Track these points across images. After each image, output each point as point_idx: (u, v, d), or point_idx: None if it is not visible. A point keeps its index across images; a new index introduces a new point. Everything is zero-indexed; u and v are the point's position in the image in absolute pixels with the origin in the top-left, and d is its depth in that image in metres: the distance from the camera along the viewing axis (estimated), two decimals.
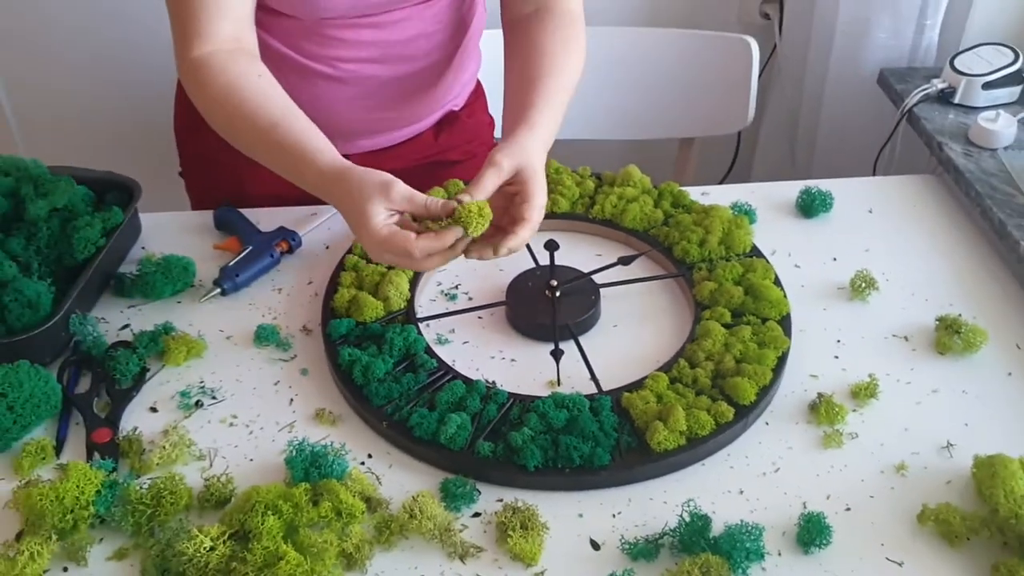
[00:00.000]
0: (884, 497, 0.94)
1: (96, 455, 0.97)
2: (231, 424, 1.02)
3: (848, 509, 0.93)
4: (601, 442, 0.95)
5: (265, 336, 1.11)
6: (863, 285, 1.16)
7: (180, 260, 1.17)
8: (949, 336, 1.09)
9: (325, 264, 1.22)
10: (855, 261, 1.21)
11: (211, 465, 0.97)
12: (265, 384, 1.06)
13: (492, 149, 1.05)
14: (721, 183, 1.82)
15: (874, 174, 1.66)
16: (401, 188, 0.96)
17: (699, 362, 1.04)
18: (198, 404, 1.04)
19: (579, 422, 0.96)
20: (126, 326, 1.13)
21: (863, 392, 1.03)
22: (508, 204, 1.03)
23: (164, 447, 0.96)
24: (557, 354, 1.05)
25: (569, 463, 0.94)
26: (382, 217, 0.95)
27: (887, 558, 0.88)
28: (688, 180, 1.77)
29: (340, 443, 0.98)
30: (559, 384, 1.03)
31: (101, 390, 1.04)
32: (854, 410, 1.02)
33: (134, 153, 1.82)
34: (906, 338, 1.11)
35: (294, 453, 0.94)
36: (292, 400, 1.05)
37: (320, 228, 1.27)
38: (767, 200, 1.32)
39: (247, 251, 1.19)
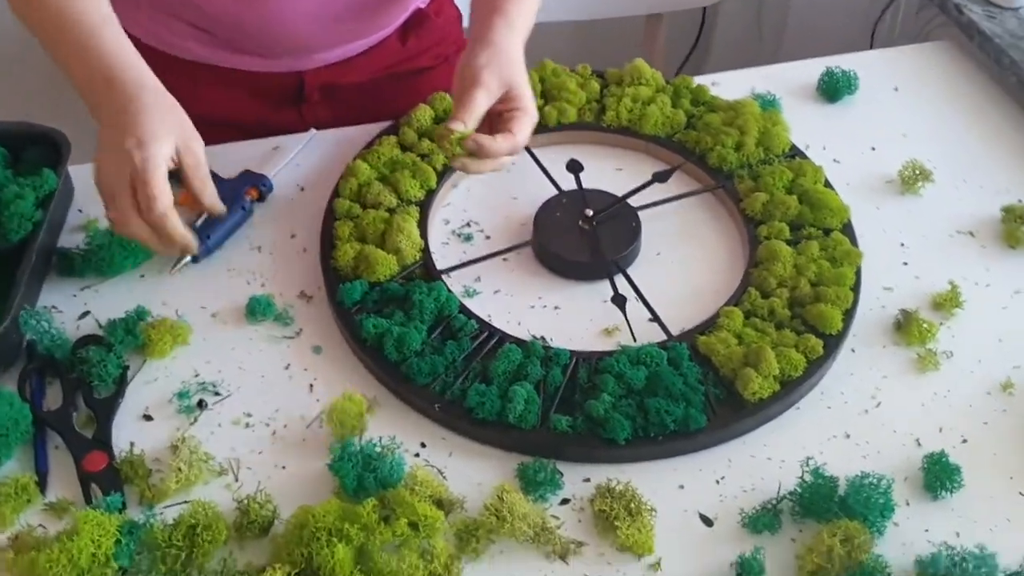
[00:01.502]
0: (998, 422, 0.86)
1: (95, 489, 0.79)
2: (247, 425, 0.85)
3: (965, 441, 0.85)
4: (692, 400, 0.83)
5: (259, 309, 0.93)
6: (915, 176, 1.06)
7: None
8: (1019, 227, 1.00)
9: (305, 211, 1.03)
10: (896, 149, 1.10)
11: (237, 480, 0.81)
12: (274, 370, 0.89)
13: (468, 55, 0.91)
14: (680, 71, 1.68)
15: (871, 47, 1.54)
16: (200, 148, 0.88)
17: (771, 290, 0.93)
18: (201, 405, 0.86)
19: (661, 379, 0.84)
20: (86, 314, 0.93)
21: (947, 303, 0.94)
22: (492, 120, 0.91)
23: (179, 467, 0.79)
24: (620, 301, 0.91)
25: (662, 430, 0.82)
26: (167, 150, 0.84)
27: (1021, 492, 0.81)
28: (658, 65, 1.62)
29: (389, 436, 0.83)
30: (634, 339, 0.90)
31: (77, 401, 0.85)
32: (940, 323, 0.93)
33: (50, 96, 1.51)
34: (972, 233, 1.02)
35: (340, 456, 0.79)
36: (312, 386, 0.88)
37: (288, 166, 1.08)
38: (785, 86, 1.18)
39: None
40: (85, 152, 1.06)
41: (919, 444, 0.84)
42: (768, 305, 0.91)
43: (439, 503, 0.78)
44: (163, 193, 0.83)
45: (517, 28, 0.94)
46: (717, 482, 0.82)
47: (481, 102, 0.88)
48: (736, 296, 0.93)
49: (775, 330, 0.89)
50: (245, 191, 1.01)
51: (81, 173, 1.04)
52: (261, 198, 1.03)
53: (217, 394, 0.87)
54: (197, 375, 0.89)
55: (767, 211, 0.99)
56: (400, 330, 0.87)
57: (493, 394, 0.83)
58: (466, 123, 0.87)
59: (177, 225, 0.85)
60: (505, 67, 0.90)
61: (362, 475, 0.78)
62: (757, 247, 0.96)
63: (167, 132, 0.85)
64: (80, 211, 1.03)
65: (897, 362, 0.91)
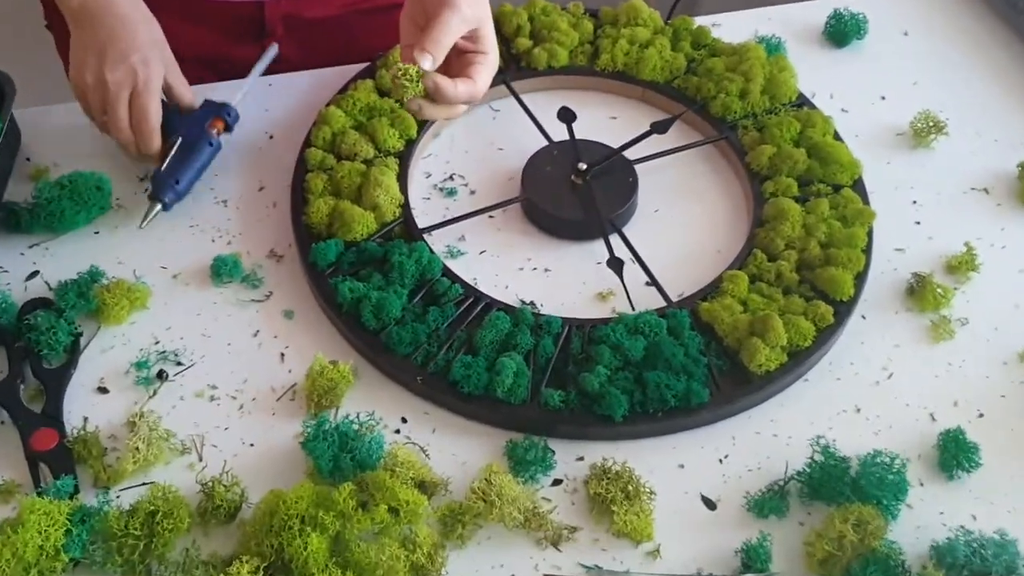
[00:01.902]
0: (1017, 395, 0.81)
1: (44, 470, 0.72)
2: (212, 398, 0.79)
3: (981, 416, 0.80)
4: (694, 373, 0.77)
5: (225, 270, 0.85)
6: (927, 129, 0.99)
7: (90, 177, 0.88)
8: None
9: (275, 161, 0.95)
10: (907, 98, 1.03)
11: (201, 459, 0.75)
12: (242, 336, 0.83)
13: None
14: (674, 9, 1.58)
15: None
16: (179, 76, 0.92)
17: (778, 252, 0.86)
18: (161, 376, 0.79)
19: (660, 349, 0.78)
20: (34, 274, 0.85)
21: (962, 266, 0.88)
22: (451, 60, 0.81)
23: (137, 447, 0.73)
24: (616, 265, 0.85)
25: (662, 405, 0.76)
26: (162, 69, 0.89)
27: None
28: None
29: (368, 411, 0.77)
30: (632, 308, 0.83)
31: (25, 372, 0.78)
32: (955, 287, 0.88)
33: None
34: (986, 190, 0.96)
35: (314, 435, 0.72)
36: (283, 355, 0.81)
37: (253, 106, 0.99)
38: (790, 28, 1.10)
39: (176, 143, 0.90)
40: (32, 95, 0.98)
41: (933, 419, 0.79)
42: (775, 269, 0.85)
43: (422, 485, 0.72)
44: (157, 108, 0.88)
45: None
46: (720, 461, 0.76)
47: (454, 30, 0.77)
48: (740, 259, 0.86)
49: (782, 296, 0.83)
50: (209, 124, 0.91)
51: (29, 118, 0.96)
52: (228, 129, 0.93)
53: (179, 364, 0.80)
54: (157, 343, 0.82)
55: (773, 165, 0.92)
56: (379, 295, 0.80)
57: (480, 366, 0.77)
58: (435, 55, 0.77)
59: (157, 136, 0.89)
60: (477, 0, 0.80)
61: (338, 455, 0.72)
62: (763, 204, 0.90)
63: (160, 51, 0.90)
64: (28, 160, 0.94)
65: (910, 329, 0.85)
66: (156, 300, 0.84)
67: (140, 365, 0.79)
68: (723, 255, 0.89)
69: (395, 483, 0.69)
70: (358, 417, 0.75)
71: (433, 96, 0.78)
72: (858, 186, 0.92)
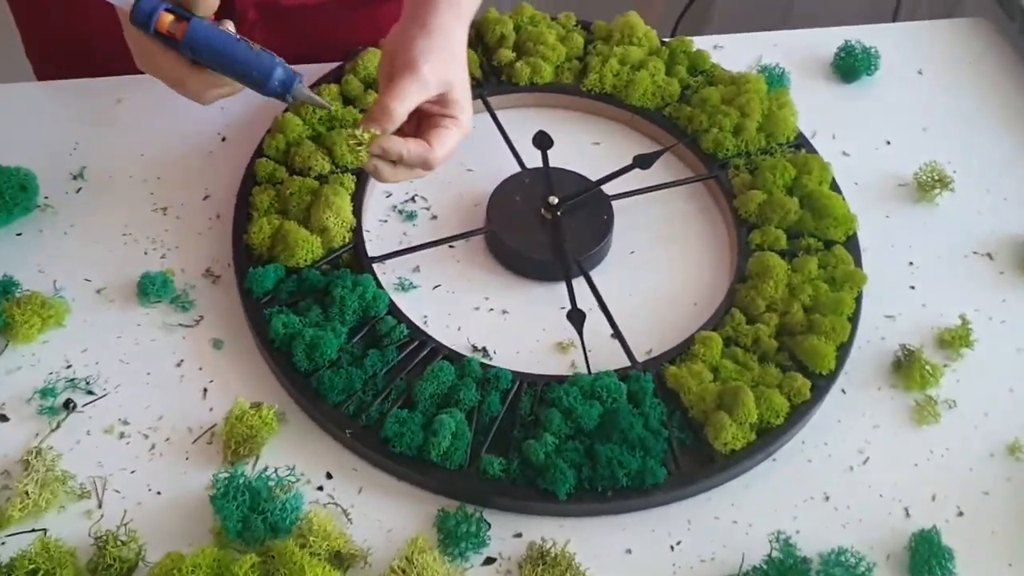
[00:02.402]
0: (1001, 493, 0.74)
1: None
2: (122, 435, 0.72)
3: (961, 514, 0.73)
4: (651, 448, 0.70)
5: (153, 289, 0.78)
6: (932, 182, 0.91)
7: (13, 174, 0.81)
8: None
9: (224, 166, 0.87)
10: (914, 146, 0.96)
11: (100, 506, 0.68)
12: (163, 366, 0.75)
13: (402, 37, 0.73)
14: (678, 25, 1.49)
15: (895, 19, 1.37)
16: None
17: (758, 314, 0.79)
18: (68, 406, 0.72)
19: (617, 419, 0.70)
20: None
21: (956, 340, 0.81)
22: (420, 121, 0.74)
23: (27, 491, 0.66)
24: (577, 319, 0.77)
25: (613, 484, 0.69)
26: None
27: None
28: (655, 14, 1.44)
29: (287, 467, 0.70)
30: (588, 369, 0.76)
31: None
32: (945, 364, 0.80)
33: None
34: (990, 256, 0.88)
35: (224, 492, 0.66)
36: (206, 391, 0.74)
37: (209, 109, 0.91)
38: (795, 57, 1.02)
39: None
40: None
41: (908, 514, 0.72)
42: (753, 333, 0.78)
43: (337, 556, 0.65)
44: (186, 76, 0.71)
45: (464, 15, 0.77)
46: (672, 548, 0.69)
47: (411, 98, 0.71)
48: (717, 317, 0.79)
49: (758, 364, 0.76)
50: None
51: None
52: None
53: (90, 393, 0.73)
54: (69, 366, 0.74)
55: (763, 213, 0.85)
56: (314, 333, 0.73)
57: (415, 423, 0.70)
58: (384, 126, 0.70)
59: (210, 89, 0.72)
60: (448, 63, 0.73)
61: (248, 516, 0.65)
62: (747, 257, 0.82)
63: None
64: None
65: (892, 409, 0.78)
66: (74, 317, 0.77)
67: (46, 393, 0.72)
68: (699, 309, 0.82)
69: (304, 557, 0.62)
70: (276, 473, 0.68)
71: (383, 158, 0.71)
72: (851, 242, 0.84)
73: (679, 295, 0.83)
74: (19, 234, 0.82)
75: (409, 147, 0.71)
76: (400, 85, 0.70)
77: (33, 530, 0.66)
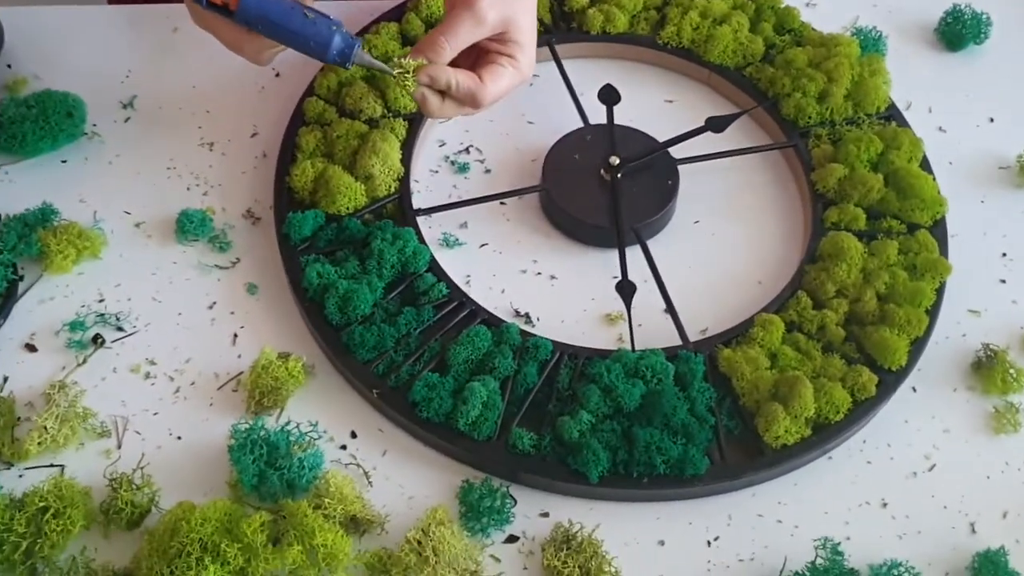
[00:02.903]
0: None
1: None
2: (147, 375, 0.70)
3: None
4: (694, 436, 0.65)
5: (191, 227, 0.76)
6: None
7: (62, 100, 0.79)
8: None
9: (275, 103, 0.84)
10: (1020, 125, 0.87)
11: (119, 447, 0.66)
12: (195, 307, 0.73)
13: None
14: None
15: None
16: None
17: (827, 299, 0.73)
18: (97, 341, 0.70)
19: (660, 402, 0.66)
20: None
21: None
22: (478, 56, 0.70)
23: (45, 426, 0.64)
24: (626, 291, 0.72)
25: (649, 471, 0.64)
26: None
27: None
28: None
29: (311, 423, 0.67)
30: (633, 345, 0.71)
31: None
32: None
33: None
34: None
35: (241, 444, 0.63)
36: (236, 337, 0.72)
37: None
38: (896, 20, 0.94)
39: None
40: None
41: (973, 531, 0.66)
42: (819, 319, 0.71)
43: (353, 522, 0.62)
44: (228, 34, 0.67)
45: None
46: (709, 543, 0.65)
47: (464, 34, 0.67)
48: (781, 299, 0.73)
49: (821, 354, 0.70)
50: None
51: (15, 19, 0.86)
52: None
53: (120, 329, 0.71)
54: (101, 300, 0.73)
55: (842, 189, 0.78)
56: (348, 285, 0.70)
57: (446, 388, 0.66)
58: (434, 56, 0.66)
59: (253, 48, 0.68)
60: (511, 1, 0.68)
61: (264, 471, 0.63)
62: (821, 236, 0.76)
63: None
64: (9, 67, 0.85)
65: (967, 414, 0.71)
66: (110, 250, 0.75)
67: (75, 326, 0.71)
68: (763, 289, 0.76)
69: (317, 520, 0.59)
70: (298, 428, 0.66)
71: (446, 94, 0.67)
72: (938, 228, 0.77)
73: (742, 272, 0.77)
74: (64, 161, 0.80)
75: (459, 78, 0.67)
76: (454, 19, 0.66)
77: (52, 465, 0.65)
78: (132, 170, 0.80)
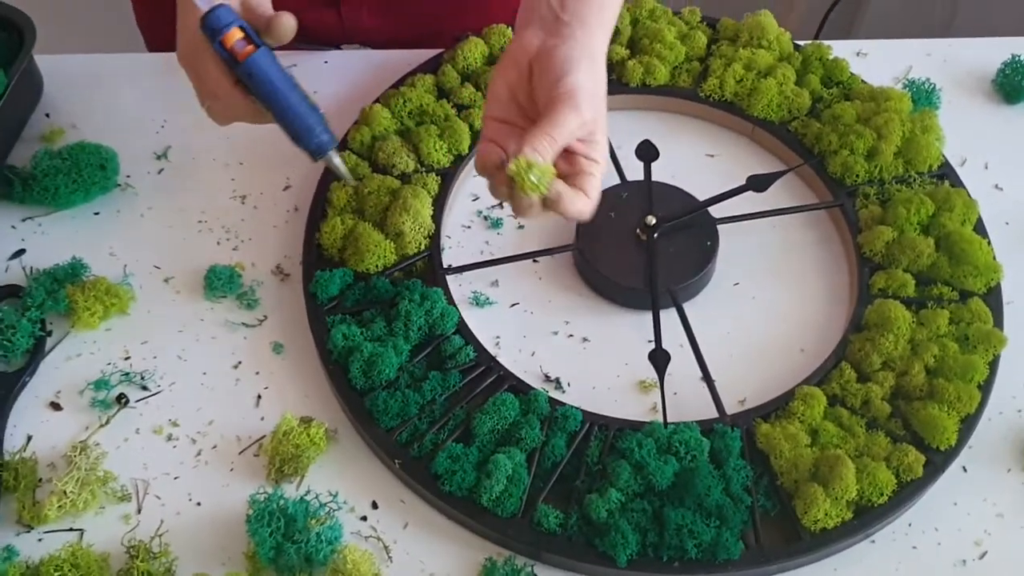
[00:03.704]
0: None
1: None
2: (169, 437, 0.69)
3: None
4: (728, 518, 0.62)
5: (219, 283, 0.75)
6: None
7: (94, 152, 0.79)
8: None
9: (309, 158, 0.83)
10: None
11: (139, 511, 0.65)
12: (221, 366, 0.72)
13: (564, 60, 0.63)
14: (822, 27, 1.35)
15: None
16: None
17: (872, 371, 0.69)
18: (121, 400, 0.70)
19: (694, 481, 0.63)
20: (19, 252, 0.77)
21: None
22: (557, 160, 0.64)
23: (64, 490, 0.64)
24: (659, 361, 0.70)
25: (680, 555, 0.62)
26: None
27: None
28: (797, 13, 1.32)
29: (331, 492, 0.65)
30: (665, 421, 0.68)
31: None
32: None
33: None
34: None
35: (259, 515, 0.62)
36: (260, 397, 0.71)
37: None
38: (951, 71, 0.90)
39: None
40: (54, 39, 0.89)
41: None
42: (864, 393, 0.68)
43: None
44: (226, 106, 0.66)
45: (607, 27, 0.67)
46: None
47: (569, 135, 0.62)
48: (824, 371, 0.70)
49: (864, 431, 0.67)
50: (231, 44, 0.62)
51: (53, 66, 0.86)
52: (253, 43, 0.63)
53: (144, 388, 0.71)
54: (127, 357, 0.72)
55: (891, 254, 0.75)
56: (373, 348, 0.68)
57: (470, 460, 0.64)
58: (546, 155, 0.61)
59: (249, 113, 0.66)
60: (600, 96, 0.64)
61: (282, 544, 0.61)
62: (867, 304, 0.73)
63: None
64: (48, 116, 0.85)
65: (1021, 497, 0.67)
66: (138, 306, 0.75)
67: (99, 385, 0.70)
68: (806, 358, 0.73)
69: None
70: (317, 499, 0.64)
71: (546, 206, 0.62)
72: (992, 296, 0.73)
73: (783, 339, 0.74)
74: (96, 213, 0.80)
75: (578, 204, 0.62)
76: (563, 118, 0.61)
77: (71, 529, 0.64)
78: (163, 223, 0.79)
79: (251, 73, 0.62)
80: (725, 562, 0.61)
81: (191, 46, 0.64)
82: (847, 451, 0.65)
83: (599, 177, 0.64)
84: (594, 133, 0.63)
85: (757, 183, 0.79)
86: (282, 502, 0.62)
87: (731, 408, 0.69)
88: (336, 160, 0.65)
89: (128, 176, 0.81)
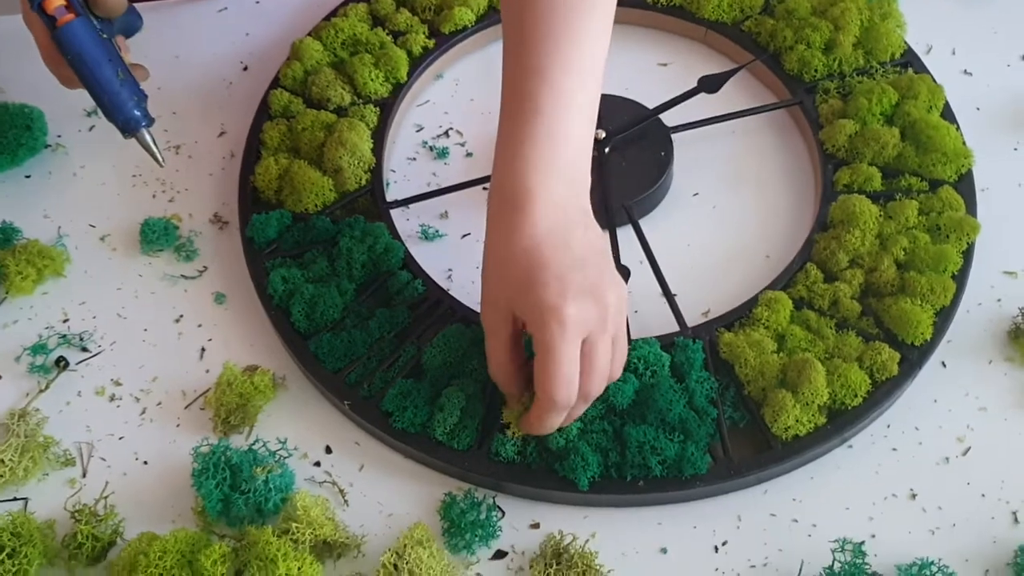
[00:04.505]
0: None
1: None
2: (113, 397, 0.66)
3: None
4: (693, 432, 0.59)
5: (154, 236, 0.72)
6: None
7: (18, 113, 0.75)
8: None
9: (242, 99, 0.79)
10: None
11: (84, 475, 0.63)
12: (162, 321, 0.69)
13: (532, 254, 0.55)
14: None
15: None
16: None
17: (839, 270, 0.66)
18: (61, 364, 0.67)
19: (655, 397, 0.60)
20: None
21: None
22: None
23: (3, 457, 0.61)
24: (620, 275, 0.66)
25: (644, 473, 0.59)
26: None
27: None
28: None
29: (279, 440, 0.62)
30: (629, 339, 0.64)
31: None
32: None
33: None
34: None
35: (202, 468, 0.59)
36: (204, 350, 0.68)
37: (230, 29, 0.83)
38: None
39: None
40: None
41: (1016, 520, 0.59)
42: (832, 293, 0.65)
43: (326, 546, 0.58)
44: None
45: (588, 115, 0.60)
46: (716, 548, 0.59)
47: (569, 355, 0.54)
48: (789, 274, 0.67)
49: (834, 332, 0.64)
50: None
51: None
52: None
53: (84, 350, 0.68)
54: (66, 320, 0.69)
55: (854, 147, 0.71)
56: (314, 290, 0.65)
57: (422, 396, 0.61)
58: (555, 424, 0.57)
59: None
60: (593, 273, 0.55)
61: (229, 497, 0.59)
62: (831, 201, 0.69)
63: None
64: None
65: (1004, 389, 0.64)
66: (74, 267, 0.72)
67: (37, 349, 0.67)
68: (771, 263, 0.70)
69: (281, 547, 0.55)
70: (266, 446, 0.61)
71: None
72: (964, 183, 0.70)
73: (747, 247, 0.71)
74: (28, 176, 0.76)
75: (580, 409, 0.57)
76: (552, 345, 0.53)
77: (14, 499, 0.62)
78: (96, 181, 0.76)
79: (61, 43, 0.60)
80: (692, 477, 0.59)
81: (26, 6, 0.62)
82: (816, 354, 0.62)
83: (617, 359, 0.58)
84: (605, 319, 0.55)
85: (709, 84, 0.75)
86: (227, 453, 0.60)
87: (695, 322, 0.66)
88: (148, 139, 0.63)
89: (59, 136, 0.78)
